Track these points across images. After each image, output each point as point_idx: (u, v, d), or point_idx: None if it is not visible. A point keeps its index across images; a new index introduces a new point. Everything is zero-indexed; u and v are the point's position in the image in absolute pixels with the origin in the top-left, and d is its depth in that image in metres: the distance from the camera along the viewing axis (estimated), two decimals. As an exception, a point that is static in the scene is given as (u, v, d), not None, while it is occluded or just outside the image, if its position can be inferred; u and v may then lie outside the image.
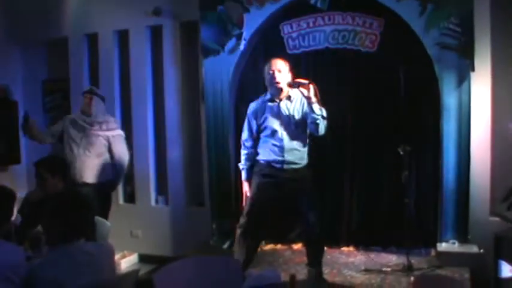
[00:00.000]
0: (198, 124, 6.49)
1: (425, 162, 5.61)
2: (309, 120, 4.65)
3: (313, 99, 4.53)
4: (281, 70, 4.70)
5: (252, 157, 4.90)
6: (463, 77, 5.27)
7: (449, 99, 5.32)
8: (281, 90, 4.73)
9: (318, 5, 5.66)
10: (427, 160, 5.60)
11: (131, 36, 6.79)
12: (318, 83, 5.23)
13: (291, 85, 4.71)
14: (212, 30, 6.05)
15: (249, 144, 4.92)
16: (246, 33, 5.93)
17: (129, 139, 6.85)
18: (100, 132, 5.66)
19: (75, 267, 2.98)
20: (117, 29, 6.89)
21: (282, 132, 4.72)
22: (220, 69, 6.07)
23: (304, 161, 4.82)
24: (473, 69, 5.25)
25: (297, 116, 4.74)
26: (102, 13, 6.87)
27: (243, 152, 4.97)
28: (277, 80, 4.69)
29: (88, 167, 5.58)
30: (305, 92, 4.55)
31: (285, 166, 4.73)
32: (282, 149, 4.71)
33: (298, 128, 4.75)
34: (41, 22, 7.19)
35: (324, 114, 4.60)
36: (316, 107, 4.54)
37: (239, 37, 5.96)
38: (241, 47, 5.96)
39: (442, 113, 5.35)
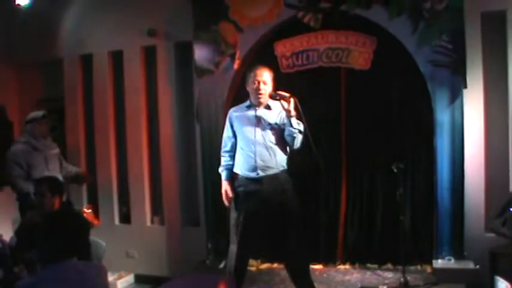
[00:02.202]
0: (193, 144, 6.49)
1: (420, 179, 5.61)
2: (286, 133, 4.70)
3: (293, 112, 4.60)
4: (266, 82, 4.76)
5: (231, 163, 4.94)
6: (455, 94, 5.30)
7: (442, 116, 5.34)
8: (262, 102, 4.81)
9: (311, 24, 5.70)
10: (421, 177, 5.61)
11: (125, 57, 6.81)
12: (311, 101, 5.28)
13: (272, 97, 4.77)
14: (206, 50, 6.09)
15: (226, 151, 4.97)
16: (240, 53, 5.97)
17: (123, 159, 6.88)
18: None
19: (65, 286, 2.97)
20: (111, 50, 6.91)
21: (257, 139, 4.74)
22: (214, 89, 6.10)
23: (282, 167, 4.78)
24: (465, 86, 5.28)
25: (274, 125, 4.77)
26: (96, 34, 6.90)
27: (222, 160, 5.00)
28: (262, 92, 4.75)
29: None
30: (285, 104, 4.63)
31: (259, 172, 4.71)
32: (254, 154, 4.72)
33: (274, 136, 4.76)
34: (35, 43, 7.21)
35: (301, 128, 4.66)
36: (294, 121, 4.61)
37: (233, 57, 5.99)
38: (235, 66, 5.98)
39: (435, 130, 5.37)
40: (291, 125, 4.62)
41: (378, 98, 5.63)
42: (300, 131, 4.64)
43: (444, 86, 5.32)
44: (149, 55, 6.79)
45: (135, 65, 6.78)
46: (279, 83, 5.07)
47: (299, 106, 4.63)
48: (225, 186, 4.96)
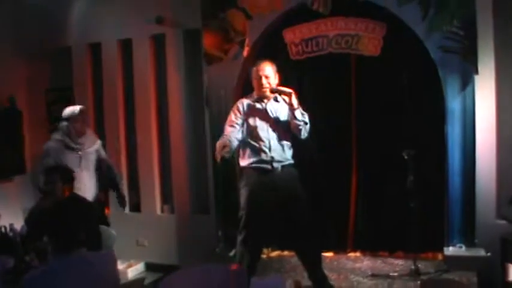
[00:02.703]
0: (203, 132, 6.48)
1: (431, 166, 5.57)
2: (292, 126, 4.74)
3: (295, 105, 4.64)
4: (268, 76, 4.77)
5: (233, 135, 4.77)
6: (466, 81, 5.26)
7: (454, 103, 5.31)
8: (268, 95, 4.82)
9: (320, 10, 5.66)
10: (432, 164, 5.57)
11: (134, 45, 6.81)
12: (321, 88, 5.27)
13: (273, 91, 4.80)
14: (215, 37, 6.07)
15: (231, 126, 4.82)
16: (249, 40, 5.94)
17: (133, 148, 6.89)
18: None
19: (74, 276, 2.98)
20: (120, 38, 6.90)
21: (269, 131, 4.76)
22: (223, 76, 6.09)
23: (290, 161, 4.84)
24: (477, 72, 5.24)
25: (282, 118, 4.80)
26: (105, 23, 6.89)
27: (229, 129, 4.81)
28: (265, 86, 4.77)
29: None
30: (287, 99, 4.70)
31: (274, 165, 4.74)
32: (269, 148, 4.74)
33: (284, 128, 4.79)
34: (44, 32, 7.21)
35: (306, 119, 4.71)
36: (298, 113, 4.66)
37: (242, 44, 5.97)
38: (245, 53, 5.96)
39: (447, 117, 5.33)
40: (296, 118, 4.67)
41: (388, 84, 5.58)
42: (305, 122, 4.70)
43: (455, 72, 5.27)
44: (158, 43, 6.77)
45: (144, 53, 6.77)
46: (288, 70, 5.07)
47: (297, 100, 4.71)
48: (223, 142, 4.65)
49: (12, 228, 4.72)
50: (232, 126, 4.86)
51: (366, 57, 5.65)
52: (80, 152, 5.52)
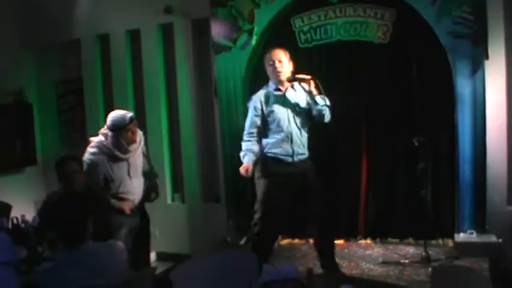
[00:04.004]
0: (212, 121, 6.49)
1: (441, 153, 5.56)
2: (314, 112, 4.76)
3: (315, 92, 4.69)
4: (281, 60, 4.80)
5: (254, 147, 4.90)
6: (477, 66, 5.22)
7: (464, 89, 5.27)
8: (283, 79, 4.82)
9: (329, -3, 5.65)
10: (442, 150, 5.56)
11: (143, 36, 6.80)
12: (331, 75, 5.25)
13: (291, 81, 4.83)
14: (223, 26, 6.06)
15: (252, 136, 4.93)
16: (257, 28, 5.93)
17: (143, 138, 6.90)
18: None
19: (82, 268, 3.00)
20: (128, 29, 6.90)
21: (290, 122, 4.79)
22: (232, 65, 6.08)
23: (307, 152, 4.91)
24: (487, 58, 5.20)
25: (302, 105, 4.84)
26: (113, 13, 6.88)
27: (245, 144, 4.95)
28: (279, 69, 4.79)
29: None
30: (306, 86, 4.75)
31: (295, 158, 4.79)
32: (291, 140, 4.78)
33: (304, 116, 4.84)
34: (52, 24, 7.21)
35: (327, 102, 4.75)
36: (319, 98, 4.71)
37: (250, 32, 5.95)
38: (253, 42, 5.95)
39: (457, 103, 5.31)
40: (317, 103, 4.71)
41: (398, 71, 5.57)
42: (327, 105, 4.74)
43: (465, 58, 5.24)
44: (166, 33, 6.77)
45: (152, 43, 6.76)
46: (297, 58, 5.05)
47: (320, 85, 4.74)
48: (247, 166, 4.88)
49: (24, 220, 4.75)
50: (250, 135, 4.93)
51: (375, 44, 5.62)
52: (129, 160, 4.89)
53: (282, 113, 4.80)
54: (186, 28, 6.54)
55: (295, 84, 4.86)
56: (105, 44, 7.11)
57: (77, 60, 7.23)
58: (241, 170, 4.89)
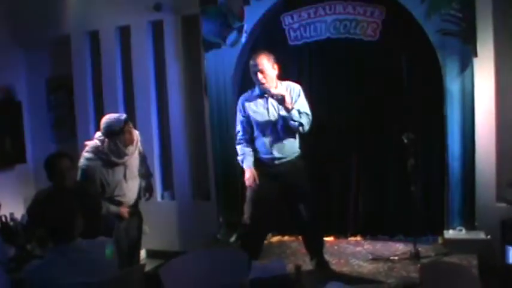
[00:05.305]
0: (202, 118, 6.48)
1: (430, 150, 5.58)
2: (290, 124, 4.71)
3: (290, 106, 4.60)
4: (264, 70, 4.70)
5: (247, 149, 4.91)
6: (465, 63, 5.25)
7: (453, 86, 5.30)
8: (267, 87, 4.75)
9: (319, -5, 5.65)
10: (432, 147, 5.58)
11: (132, 32, 6.78)
12: (320, 73, 5.23)
13: (264, 94, 4.80)
14: (213, 23, 6.05)
15: (241, 137, 4.94)
16: (247, 26, 5.92)
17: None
18: None
19: (70, 266, 3.00)
20: (118, 26, 6.88)
21: (272, 127, 4.78)
22: (222, 63, 6.07)
23: (296, 154, 4.88)
24: (476, 55, 5.24)
25: (283, 113, 4.75)
26: (103, 10, 6.85)
27: (238, 147, 4.97)
28: (262, 81, 4.72)
29: None
30: (280, 101, 4.63)
31: (276, 162, 4.81)
32: (270, 145, 4.79)
33: (288, 123, 4.76)
34: (42, 21, 7.17)
35: (303, 120, 4.68)
36: (294, 114, 4.64)
37: (240, 30, 5.95)
38: (243, 39, 5.95)
39: (446, 100, 5.33)
40: (292, 119, 4.66)
41: (387, 68, 5.57)
42: (300, 124, 4.68)
43: (454, 55, 5.27)
44: (156, 30, 6.75)
45: (142, 40, 6.75)
46: (287, 55, 5.05)
47: (302, 92, 4.81)
48: (250, 173, 4.86)
49: (12, 218, 4.73)
50: (241, 137, 4.93)
51: (365, 42, 5.63)
52: (126, 163, 4.84)
53: (263, 120, 4.80)
54: (176, 25, 6.53)
55: (281, 89, 4.75)
56: (95, 40, 7.08)
57: (67, 57, 7.20)
58: (247, 182, 4.88)
